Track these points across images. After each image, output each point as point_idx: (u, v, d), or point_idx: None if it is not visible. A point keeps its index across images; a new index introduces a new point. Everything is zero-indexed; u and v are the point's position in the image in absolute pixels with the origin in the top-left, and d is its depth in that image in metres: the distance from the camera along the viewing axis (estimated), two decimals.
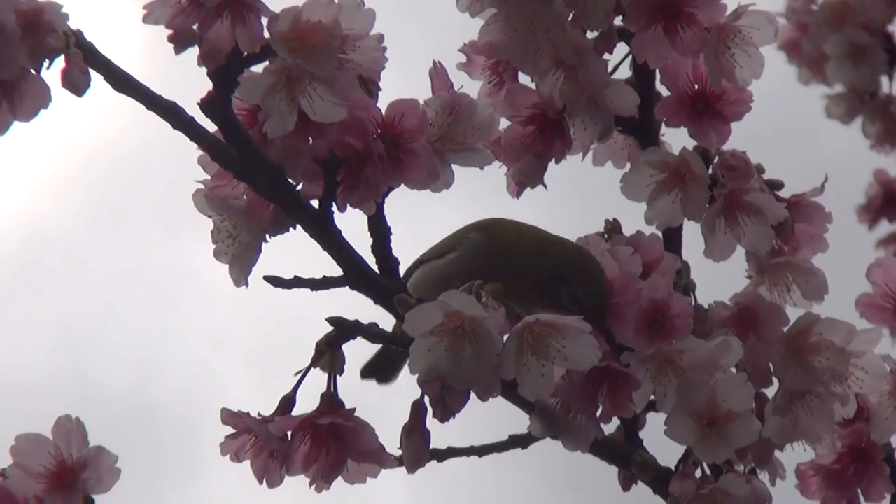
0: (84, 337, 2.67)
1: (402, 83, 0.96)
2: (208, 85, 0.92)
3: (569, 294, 0.96)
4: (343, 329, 0.94)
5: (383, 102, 0.95)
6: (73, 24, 0.91)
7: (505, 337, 0.89)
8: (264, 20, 0.89)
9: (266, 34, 0.89)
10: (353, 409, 0.93)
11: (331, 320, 0.94)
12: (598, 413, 0.95)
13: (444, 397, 0.88)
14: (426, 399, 0.90)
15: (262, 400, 0.94)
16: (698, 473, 0.98)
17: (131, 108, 0.93)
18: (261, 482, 0.93)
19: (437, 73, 0.96)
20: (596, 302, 0.95)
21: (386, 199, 0.96)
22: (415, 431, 0.91)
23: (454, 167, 0.95)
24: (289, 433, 0.93)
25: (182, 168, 0.93)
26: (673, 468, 0.99)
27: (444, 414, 0.88)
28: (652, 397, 0.96)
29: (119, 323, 2.60)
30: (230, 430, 0.92)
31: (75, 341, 2.67)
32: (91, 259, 2.60)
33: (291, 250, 0.98)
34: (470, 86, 1.01)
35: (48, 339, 2.63)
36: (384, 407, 1.05)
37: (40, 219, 2.52)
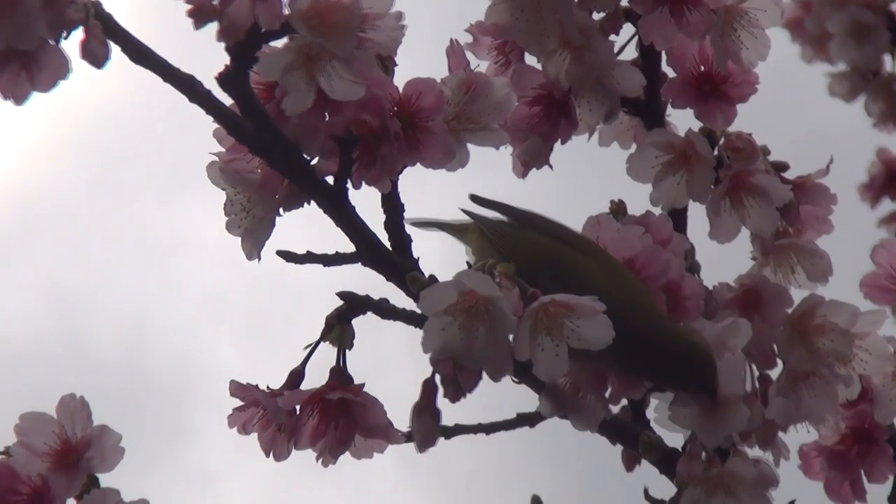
0: (76, 302, 2.70)
1: (409, 61, 1.02)
2: (222, 59, 0.98)
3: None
4: (354, 304, 1.00)
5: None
6: None
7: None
8: None
9: (286, 11, 0.95)
10: (363, 385, 1.00)
11: (341, 294, 1.00)
12: (607, 394, 1.01)
13: (456, 377, 0.93)
14: (437, 378, 0.95)
15: (254, 367, 1.02)
16: (705, 455, 1.03)
17: (123, 68, 0.99)
18: (268, 455, 1.00)
19: (455, 52, 1.02)
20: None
21: (399, 177, 1.02)
22: (425, 410, 0.97)
23: (469, 146, 1.01)
24: (297, 407, 0.99)
25: (176, 130, 0.99)
26: (679, 449, 1.05)
27: (456, 394, 0.94)
28: None
29: (111, 287, 2.63)
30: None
31: (67, 306, 2.70)
32: (83, 222, 2.62)
33: (298, 224, 1.04)
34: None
35: (39, 304, 2.66)
36: (390, 382, 1.12)
37: (31, 180, 2.56)
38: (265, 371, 1.01)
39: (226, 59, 0.98)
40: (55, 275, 2.67)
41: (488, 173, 1.16)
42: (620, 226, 1.04)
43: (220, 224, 1.03)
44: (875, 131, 1.93)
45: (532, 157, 1.11)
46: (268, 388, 1.01)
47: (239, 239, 1.02)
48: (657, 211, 1.10)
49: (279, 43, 0.98)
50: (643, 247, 1.02)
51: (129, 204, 2.61)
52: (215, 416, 1.00)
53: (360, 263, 1.03)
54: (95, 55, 0.96)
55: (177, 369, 2.66)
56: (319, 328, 1.02)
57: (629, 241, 1.02)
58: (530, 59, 1.10)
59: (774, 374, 1.08)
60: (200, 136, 1.03)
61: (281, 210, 1.02)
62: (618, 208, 1.12)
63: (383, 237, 1.04)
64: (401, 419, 0.99)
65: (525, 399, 1.06)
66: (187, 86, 0.99)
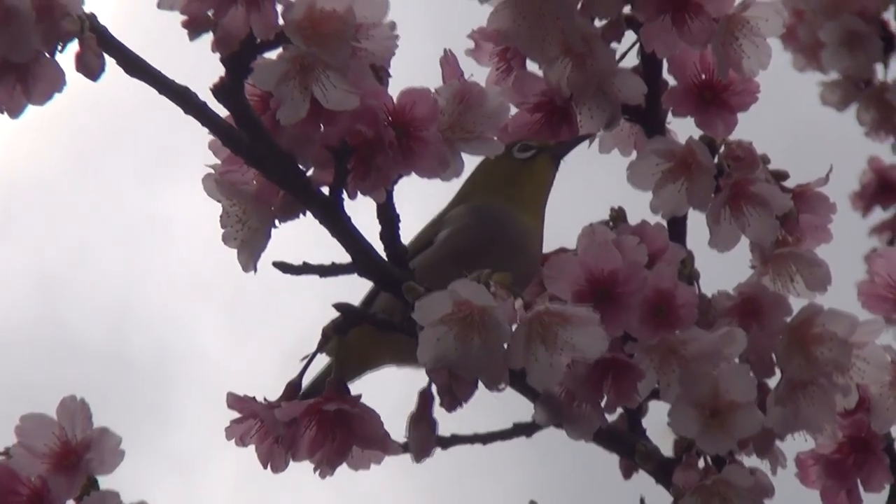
0: (57, 285, 2.66)
1: (409, 69, 0.97)
2: (217, 70, 0.93)
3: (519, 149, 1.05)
4: (350, 316, 0.96)
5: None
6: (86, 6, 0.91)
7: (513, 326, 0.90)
8: (279, 7, 0.90)
9: (280, 21, 0.90)
10: (360, 396, 0.95)
11: (338, 306, 0.96)
12: (602, 403, 0.95)
13: (452, 387, 0.89)
14: (433, 388, 0.91)
15: (237, 351, 0.96)
16: (701, 464, 0.99)
17: None
18: (265, 467, 0.95)
19: (448, 62, 0.96)
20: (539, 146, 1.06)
21: (395, 187, 0.96)
22: (422, 420, 0.93)
23: (464, 156, 0.95)
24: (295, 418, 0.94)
25: (158, 114, 0.94)
26: (675, 458, 1.00)
27: (452, 403, 0.90)
28: (655, 385, 0.96)
29: (93, 271, 2.59)
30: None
31: (48, 290, 2.66)
32: (66, 205, 2.59)
33: (295, 234, 0.99)
34: (478, 72, 1.02)
35: (20, 288, 2.62)
36: (384, 394, 1.06)
37: (14, 164, 2.51)
38: (247, 355, 0.96)
39: (220, 70, 0.93)
40: (36, 258, 2.62)
41: None
42: (615, 235, 0.98)
43: (203, 207, 0.98)
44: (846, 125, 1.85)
45: None
46: (265, 399, 0.96)
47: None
48: (657, 219, 1.04)
49: (273, 53, 0.92)
50: (626, 263, 0.95)
51: (111, 187, 2.56)
52: (197, 401, 0.95)
53: (356, 274, 0.98)
54: (90, 68, 0.91)
55: (159, 353, 2.61)
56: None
57: (610, 254, 0.95)
58: (532, 66, 1.05)
59: (772, 382, 1.01)
60: (183, 118, 0.97)
61: (276, 221, 0.96)
62: (618, 215, 1.06)
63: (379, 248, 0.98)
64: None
65: (521, 408, 1.02)
66: (182, 98, 0.94)
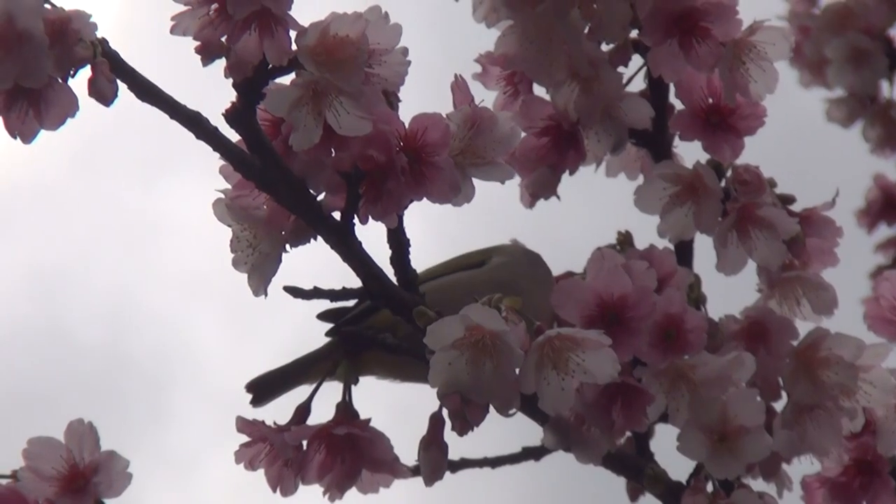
0: (56, 284, 2.65)
1: (418, 94, 0.98)
2: (228, 94, 0.94)
3: None
4: (359, 341, 0.98)
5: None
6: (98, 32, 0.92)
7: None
8: (292, 33, 0.91)
9: (294, 47, 0.91)
10: (369, 420, 0.96)
11: (347, 332, 0.98)
12: (611, 426, 0.96)
13: (464, 411, 0.90)
14: (444, 412, 0.92)
15: (236, 351, 0.97)
16: (710, 488, 1.00)
17: None
18: (275, 490, 0.97)
19: (459, 87, 0.97)
20: None
21: (405, 212, 0.97)
22: (433, 444, 0.94)
23: (475, 181, 0.96)
24: (304, 442, 0.96)
25: (157, 114, 0.94)
26: (683, 482, 1.02)
27: (463, 427, 0.91)
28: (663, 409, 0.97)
29: (92, 270, 2.58)
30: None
31: (47, 288, 2.65)
32: (63, 203, 2.57)
33: (304, 257, 1.00)
34: (486, 96, 1.05)
35: (18, 286, 2.61)
36: (393, 417, 1.07)
37: (11, 164, 2.51)
38: (245, 356, 0.96)
39: (233, 95, 0.94)
40: (35, 257, 2.61)
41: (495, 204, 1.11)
42: (624, 259, 0.99)
43: (202, 205, 0.99)
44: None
45: (540, 188, 1.07)
46: (274, 423, 0.97)
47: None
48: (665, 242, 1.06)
49: (286, 79, 0.93)
50: (636, 287, 0.96)
51: (110, 185, 2.55)
52: (195, 401, 0.96)
53: (366, 299, 0.99)
54: (103, 93, 0.92)
55: (157, 353, 2.60)
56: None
57: (621, 279, 0.96)
58: (539, 90, 1.06)
59: (779, 406, 1.03)
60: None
61: (287, 246, 0.97)
62: (625, 239, 1.10)
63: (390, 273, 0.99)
64: None
65: (531, 433, 1.02)
66: (194, 123, 0.95)
